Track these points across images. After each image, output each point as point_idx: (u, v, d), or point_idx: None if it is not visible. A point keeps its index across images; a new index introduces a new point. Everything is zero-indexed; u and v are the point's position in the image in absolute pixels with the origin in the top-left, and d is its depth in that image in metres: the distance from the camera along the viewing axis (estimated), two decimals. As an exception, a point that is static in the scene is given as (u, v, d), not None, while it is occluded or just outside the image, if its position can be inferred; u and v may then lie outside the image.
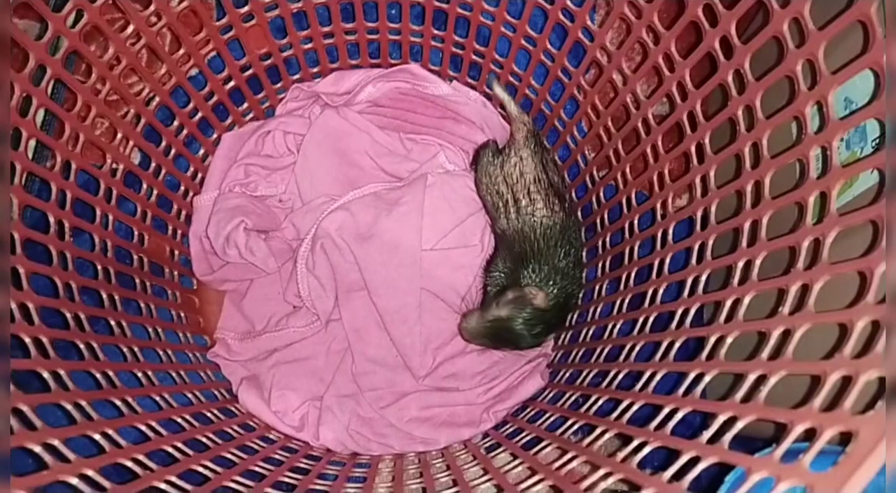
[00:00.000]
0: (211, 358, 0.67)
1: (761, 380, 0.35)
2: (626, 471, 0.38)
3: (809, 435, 0.28)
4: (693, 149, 0.49)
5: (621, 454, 0.39)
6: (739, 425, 0.33)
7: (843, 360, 0.30)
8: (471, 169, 0.69)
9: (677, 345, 0.46)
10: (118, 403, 0.47)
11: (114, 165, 0.57)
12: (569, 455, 0.45)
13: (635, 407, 0.45)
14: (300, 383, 0.66)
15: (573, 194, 0.70)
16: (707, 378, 0.40)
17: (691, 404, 0.39)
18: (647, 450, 0.38)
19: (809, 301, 0.35)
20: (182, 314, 0.67)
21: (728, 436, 0.33)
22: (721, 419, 0.35)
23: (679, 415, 0.39)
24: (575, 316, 0.67)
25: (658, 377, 0.46)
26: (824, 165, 0.36)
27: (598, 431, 0.46)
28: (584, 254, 0.67)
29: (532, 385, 0.65)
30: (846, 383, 0.29)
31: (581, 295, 0.67)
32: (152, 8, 0.53)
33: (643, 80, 0.54)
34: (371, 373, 0.67)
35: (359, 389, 0.66)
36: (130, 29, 0.53)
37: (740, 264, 0.43)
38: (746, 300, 0.41)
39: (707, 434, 0.35)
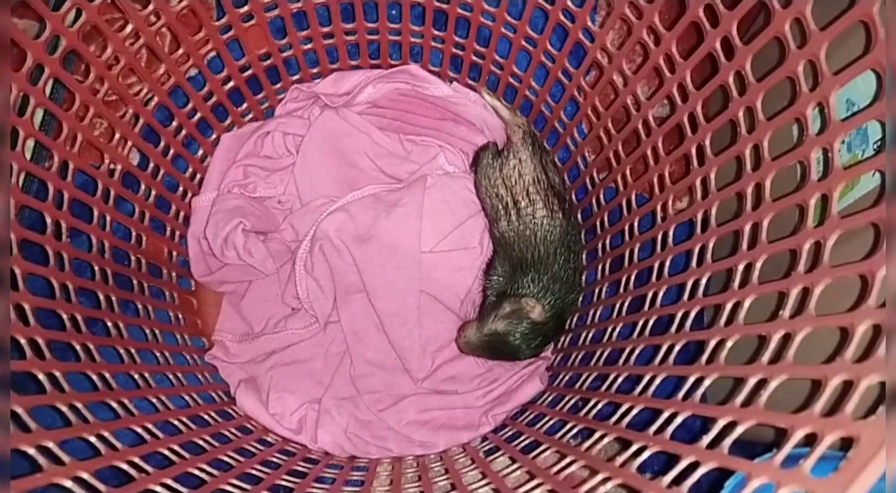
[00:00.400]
0: (209, 360, 0.67)
1: (761, 384, 0.34)
2: (626, 475, 0.37)
3: (810, 440, 0.28)
4: (693, 151, 0.49)
5: (620, 459, 0.39)
6: (739, 429, 0.33)
7: (844, 364, 0.30)
8: (470, 171, 0.69)
9: (677, 348, 0.46)
10: (114, 405, 0.47)
11: (112, 166, 0.57)
12: (568, 459, 0.45)
13: (635, 411, 0.44)
14: (298, 386, 0.66)
15: (573, 196, 0.69)
16: (707, 382, 0.40)
17: (691, 409, 0.39)
18: (646, 454, 0.38)
19: (810, 305, 0.35)
20: (180, 316, 0.67)
21: (728, 441, 0.33)
22: (721, 423, 0.35)
23: (679, 419, 0.39)
24: (574, 319, 0.67)
25: (658, 381, 0.45)
26: (825, 168, 0.36)
27: (597, 435, 0.46)
28: (583, 258, 0.67)
29: (531, 389, 0.64)
30: (847, 387, 0.28)
31: (580, 299, 0.66)
32: (151, 7, 0.53)
33: (644, 81, 0.54)
34: (369, 376, 0.66)
35: (357, 391, 0.66)
36: (129, 28, 0.53)
37: (741, 267, 0.43)
38: (747, 304, 0.41)
39: (707, 439, 0.34)
